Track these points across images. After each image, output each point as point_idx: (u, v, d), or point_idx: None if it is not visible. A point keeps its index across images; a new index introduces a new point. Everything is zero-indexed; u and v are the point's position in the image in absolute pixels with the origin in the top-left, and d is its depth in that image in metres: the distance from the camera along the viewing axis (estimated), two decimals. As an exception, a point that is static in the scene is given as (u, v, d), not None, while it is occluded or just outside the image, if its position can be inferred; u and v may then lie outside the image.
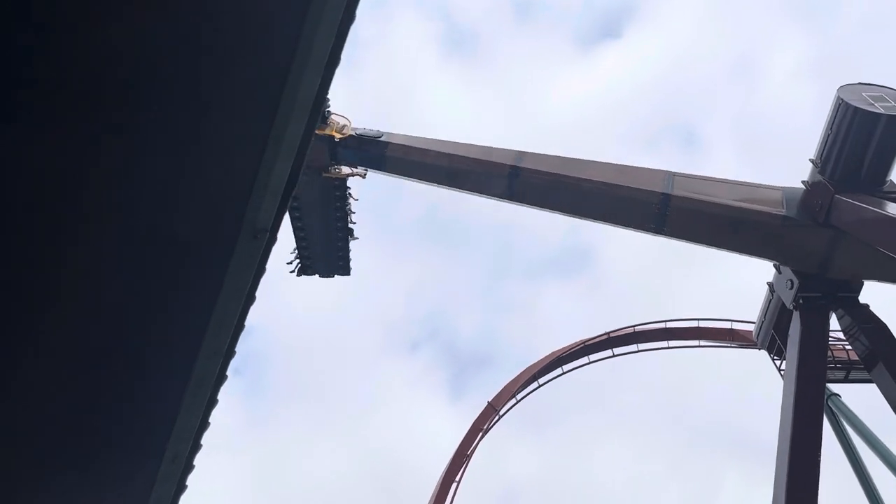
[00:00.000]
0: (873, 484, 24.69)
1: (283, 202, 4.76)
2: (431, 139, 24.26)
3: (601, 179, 22.02)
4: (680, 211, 21.45)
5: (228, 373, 6.41)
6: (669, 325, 29.85)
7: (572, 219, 23.79)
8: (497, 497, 67.67)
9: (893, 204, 19.44)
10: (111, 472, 6.01)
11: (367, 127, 24.21)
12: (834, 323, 22.89)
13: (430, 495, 26.95)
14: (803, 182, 21.47)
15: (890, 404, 21.29)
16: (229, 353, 5.32)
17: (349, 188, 24.10)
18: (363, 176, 23.70)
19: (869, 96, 20.20)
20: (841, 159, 20.33)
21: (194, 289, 4.89)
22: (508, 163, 22.73)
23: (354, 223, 24.75)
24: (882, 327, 21.81)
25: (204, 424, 5.90)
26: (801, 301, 22.46)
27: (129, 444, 5.82)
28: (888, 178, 20.75)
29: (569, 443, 68.13)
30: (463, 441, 27.90)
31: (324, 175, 23.28)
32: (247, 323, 5.65)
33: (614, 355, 30.30)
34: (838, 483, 28.19)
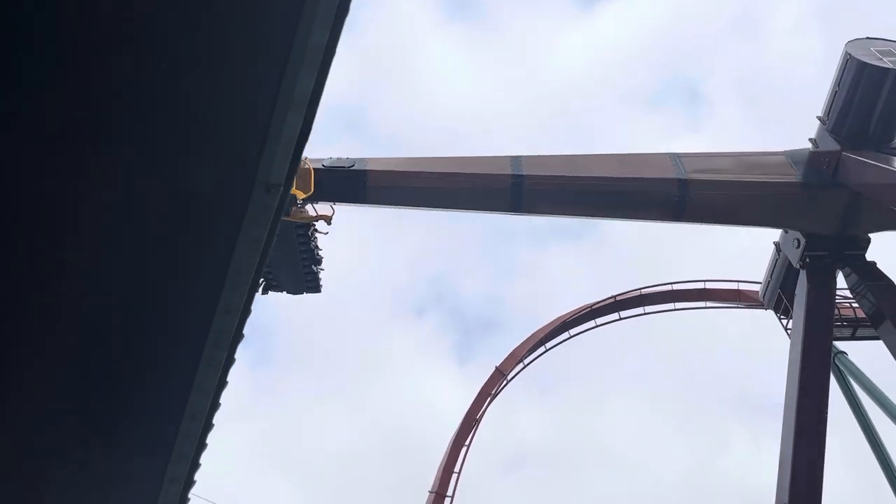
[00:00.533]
0: (881, 440, 24.86)
1: (295, 156, 4.76)
2: (415, 158, 21.63)
3: (611, 175, 20.64)
4: (700, 195, 20.62)
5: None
6: (676, 286, 29.80)
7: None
8: (507, 460, 68.52)
9: (902, 160, 19.34)
10: (133, 432, 6.09)
11: (335, 156, 20.59)
12: (840, 281, 22.91)
13: (440, 459, 27.27)
14: (810, 140, 21.32)
15: (897, 361, 21.39)
16: (246, 310, 5.36)
17: (314, 225, 20.74)
18: (328, 221, 19.93)
19: (877, 51, 19.96)
20: (849, 116, 20.16)
21: (210, 243, 4.92)
22: (508, 172, 20.55)
23: (322, 257, 21.67)
24: (889, 284, 21.79)
25: (222, 383, 5.97)
26: (807, 260, 22.43)
27: (148, 402, 5.90)
28: (896, 135, 20.61)
29: (577, 405, 68.51)
30: (472, 406, 28.11)
31: (283, 219, 19.65)
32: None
33: (621, 318, 30.32)
34: (845, 440, 28.46)
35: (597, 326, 30.44)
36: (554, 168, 21.04)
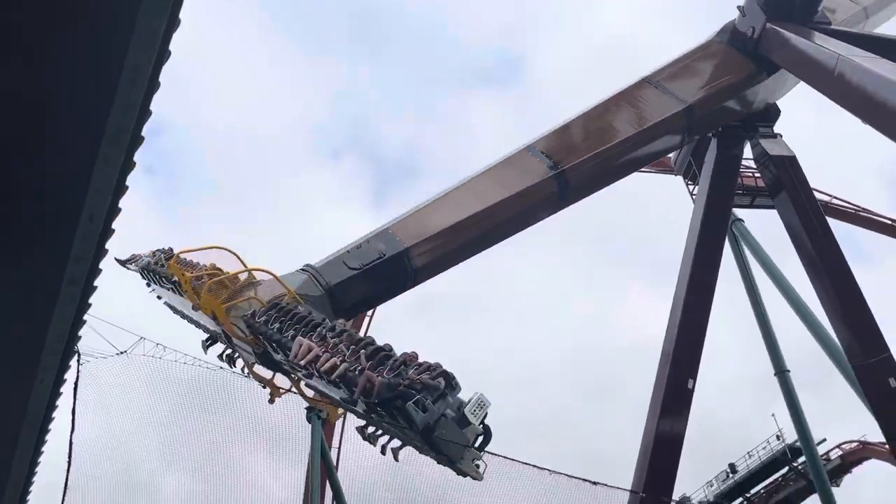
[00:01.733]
0: (762, 303, 26.90)
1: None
2: (440, 199, 17.53)
3: (635, 131, 19.65)
4: (701, 115, 20.90)
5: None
6: (594, 149, 30.37)
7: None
8: (416, 303, 71.19)
9: (821, 35, 19.74)
10: (29, 230, 5.97)
11: (343, 250, 16.01)
12: (747, 151, 23.91)
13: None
14: (738, 7, 21.44)
15: (787, 230, 22.89)
16: (145, 109, 5.20)
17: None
18: (272, 398, 15.33)
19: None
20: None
21: (104, 34, 4.67)
22: (548, 175, 18.15)
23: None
24: (791, 158, 22.91)
25: (121, 187, 5.87)
26: (720, 129, 23.21)
27: (45, 200, 5.76)
28: (819, 9, 20.91)
29: (489, 255, 70.85)
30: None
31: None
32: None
33: (539, 177, 30.88)
34: (731, 301, 30.72)
35: (515, 183, 30.93)
36: (582, 145, 19.38)
